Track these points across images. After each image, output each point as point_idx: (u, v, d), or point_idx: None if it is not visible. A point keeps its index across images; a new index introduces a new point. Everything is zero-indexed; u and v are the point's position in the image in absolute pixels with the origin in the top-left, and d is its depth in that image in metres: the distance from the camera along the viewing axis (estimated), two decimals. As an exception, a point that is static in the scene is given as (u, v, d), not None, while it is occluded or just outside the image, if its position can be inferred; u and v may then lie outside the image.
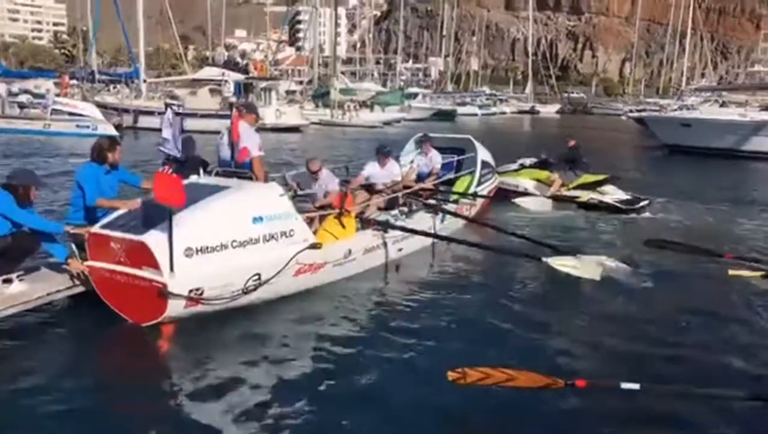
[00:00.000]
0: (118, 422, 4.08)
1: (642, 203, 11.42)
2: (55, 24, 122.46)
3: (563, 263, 6.30)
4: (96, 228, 5.49)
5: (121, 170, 6.29)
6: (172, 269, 5.00)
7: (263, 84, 34.09)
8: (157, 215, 5.19)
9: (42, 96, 27.84)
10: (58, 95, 29.11)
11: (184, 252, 5.08)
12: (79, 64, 42.83)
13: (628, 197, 11.49)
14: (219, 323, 5.41)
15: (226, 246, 5.34)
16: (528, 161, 12.99)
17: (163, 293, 5.02)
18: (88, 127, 23.38)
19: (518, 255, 7.06)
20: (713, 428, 4.14)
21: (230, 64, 43.90)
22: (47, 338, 5.19)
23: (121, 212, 5.62)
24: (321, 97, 42.49)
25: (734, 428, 4.14)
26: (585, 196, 11.22)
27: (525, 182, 11.86)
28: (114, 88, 33.94)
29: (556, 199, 11.23)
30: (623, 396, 3.96)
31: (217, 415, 4.11)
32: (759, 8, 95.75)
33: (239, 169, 6.34)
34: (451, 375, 3.81)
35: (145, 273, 5.12)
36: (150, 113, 28.45)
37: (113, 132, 23.41)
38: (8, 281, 5.34)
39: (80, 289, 5.63)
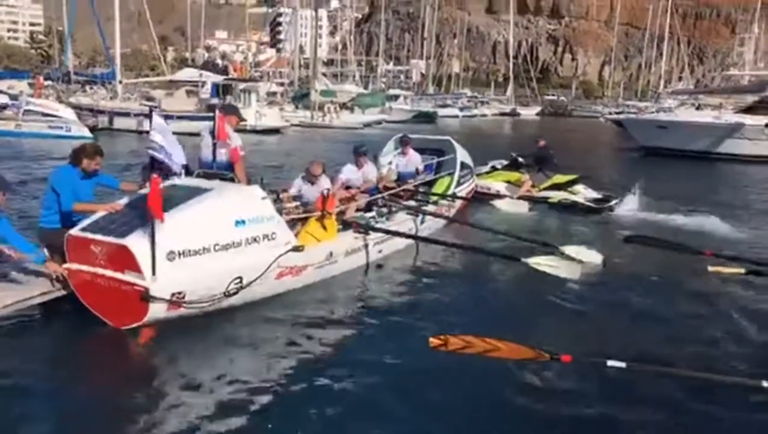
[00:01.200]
0: (96, 426, 4.01)
1: (613, 202, 11.49)
2: (31, 24, 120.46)
3: (541, 262, 6.33)
4: (76, 231, 5.40)
5: (100, 175, 6.08)
6: (154, 272, 4.99)
7: (242, 86, 33.78)
8: (139, 218, 5.19)
9: (16, 97, 27.33)
10: (32, 96, 28.62)
11: (167, 256, 5.07)
12: (55, 65, 42.18)
13: (599, 196, 11.60)
14: (200, 326, 5.37)
15: (209, 250, 5.34)
16: (499, 164, 13.03)
17: (144, 297, 5.00)
18: (61, 128, 22.99)
19: (498, 255, 7.12)
20: (694, 407, 4.35)
21: (209, 66, 43.39)
22: (23, 343, 5.09)
23: (101, 214, 5.52)
24: (301, 99, 42.31)
25: (712, 407, 4.35)
26: (557, 196, 11.26)
27: (496, 184, 11.93)
28: (90, 89, 33.49)
29: (528, 200, 11.27)
30: (609, 373, 4.05)
31: (197, 417, 4.04)
32: (734, 13, 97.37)
33: (221, 170, 6.31)
34: (432, 342, 3.78)
35: (127, 277, 5.09)
36: (125, 115, 28.10)
37: (87, 134, 23.11)
38: None
39: (57, 293, 5.50)
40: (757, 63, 53.55)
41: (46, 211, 5.82)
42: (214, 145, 6.60)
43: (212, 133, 6.66)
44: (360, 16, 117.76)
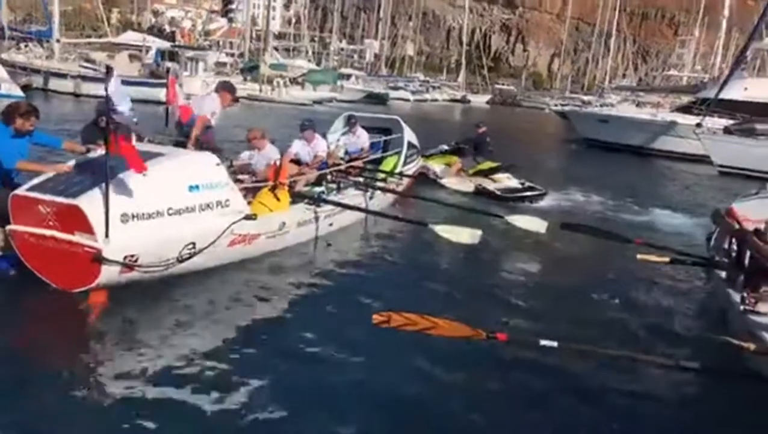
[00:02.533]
0: (39, 393, 3.85)
1: (533, 193, 11.78)
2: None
3: (444, 230, 6.71)
4: (21, 190, 5.17)
5: (36, 133, 5.77)
6: (107, 235, 4.86)
7: (190, 54, 32.89)
8: (90, 179, 5.04)
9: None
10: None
11: (120, 218, 4.95)
12: (-13, 19, 39.63)
13: (519, 186, 11.84)
14: (150, 291, 5.30)
15: (162, 214, 5.28)
16: (446, 147, 13.23)
17: (96, 259, 4.86)
18: (-10, 85, 21.78)
19: (419, 223, 7.33)
20: (618, 384, 4.60)
21: (154, 30, 41.86)
22: None
23: (48, 175, 5.31)
24: (250, 71, 41.44)
25: (635, 384, 4.63)
26: (474, 182, 11.30)
27: (434, 166, 12.15)
28: (25, 46, 31.71)
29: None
30: (541, 352, 4.28)
31: (142, 385, 3.98)
32: (678, 15, 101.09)
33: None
34: (376, 318, 3.88)
35: (78, 238, 4.92)
36: (62, 76, 26.84)
37: (18, 93, 21.95)
38: None
39: None
40: (695, 65, 55.94)
41: None
42: (167, 110, 6.53)
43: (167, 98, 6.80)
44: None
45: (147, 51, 30.39)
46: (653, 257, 6.64)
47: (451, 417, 4.03)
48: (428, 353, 4.60)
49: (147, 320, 4.95)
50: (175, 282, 5.53)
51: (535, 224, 7.70)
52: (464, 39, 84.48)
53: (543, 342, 4.05)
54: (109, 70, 6.89)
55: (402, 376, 4.40)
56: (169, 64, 27.18)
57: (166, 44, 32.87)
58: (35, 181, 5.29)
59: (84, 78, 26.97)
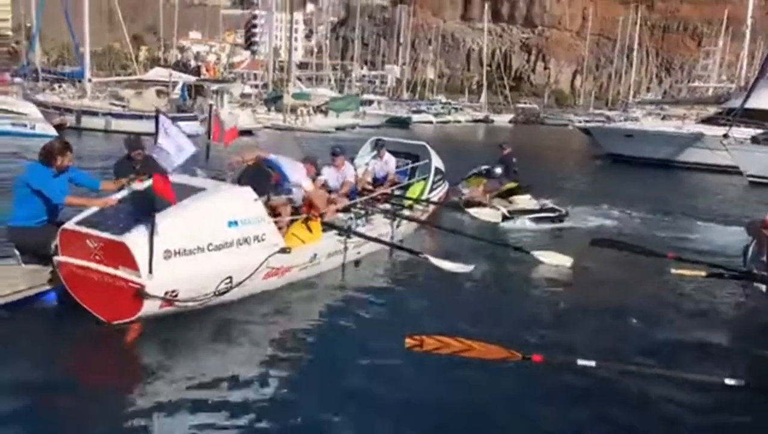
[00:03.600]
0: (85, 420, 4.00)
1: (552, 214, 11.52)
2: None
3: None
4: (71, 225, 5.41)
5: (72, 171, 5.99)
6: (150, 271, 5.01)
7: (215, 86, 33.58)
8: (136, 216, 5.26)
9: (-22, 95, 26.71)
10: (-3, 93, 28.02)
11: (163, 254, 5.10)
12: (22, 62, 41.25)
13: (538, 207, 11.58)
14: (188, 321, 5.46)
15: (203, 249, 5.41)
16: (475, 171, 13.13)
17: (139, 294, 5.02)
18: (25, 126, 22.56)
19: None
20: (660, 403, 4.48)
21: (180, 66, 43.00)
22: (12, 337, 5.04)
23: (94, 209, 5.56)
24: (274, 101, 42.14)
25: (676, 403, 4.48)
26: (501, 209, 11.05)
27: (461, 187, 12.10)
28: (59, 87, 32.87)
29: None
30: (579, 372, 4.18)
31: (186, 411, 4.12)
32: (701, 27, 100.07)
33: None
34: (408, 343, 3.81)
35: (123, 273, 5.08)
36: (93, 114, 27.67)
37: (52, 132, 22.65)
38: None
39: (43, 288, 5.53)
40: (721, 76, 55.20)
41: (22, 209, 5.71)
42: (208, 146, 6.66)
43: (208, 133, 6.92)
44: (336, 20, 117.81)
45: (174, 86, 31.19)
46: (688, 271, 6.50)
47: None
48: (462, 376, 4.53)
49: (183, 351, 5.08)
50: (210, 310, 5.66)
51: (561, 260, 7.83)
52: (484, 60, 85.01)
53: (580, 362, 3.92)
54: (158, 113, 7.07)
55: (436, 401, 4.36)
56: (211, 101, 27.78)
57: (191, 79, 33.67)
58: (83, 215, 5.52)
59: (113, 115, 27.80)
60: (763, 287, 5.97)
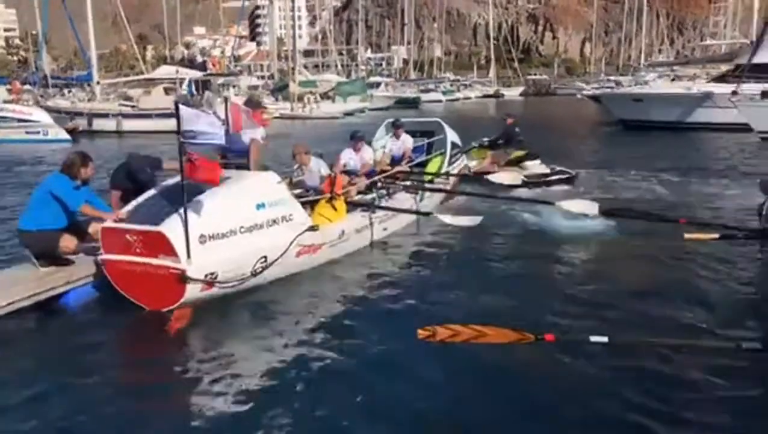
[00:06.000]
0: (136, 403, 4.24)
1: (562, 176, 11.85)
2: (6, 29, 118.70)
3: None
4: (109, 223, 5.72)
5: (89, 193, 6.21)
6: (189, 255, 5.30)
7: (221, 80, 33.89)
8: (169, 205, 5.56)
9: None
10: (11, 101, 28.52)
11: (199, 239, 5.39)
12: (32, 69, 41.84)
13: (548, 171, 11.90)
14: (226, 305, 5.71)
15: (235, 232, 5.71)
16: (476, 144, 13.28)
17: (181, 279, 5.31)
18: (38, 132, 22.99)
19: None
20: (677, 375, 4.38)
21: (186, 62, 43.26)
22: (57, 333, 5.35)
23: (129, 207, 5.89)
24: (280, 90, 42.30)
25: (694, 372, 4.37)
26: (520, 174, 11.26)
27: (468, 162, 12.20)
28: (69, 92, 33.36)
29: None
30: (592, 349, 4.18)
31: (227, 392, 4.31)
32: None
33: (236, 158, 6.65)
34: (421, 334, 3.85)
35: (163, 261, 5.37)
36: (104, 116, 28.09)
37: (65, 137, 23.15)
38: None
39: (85, 281, 5.87)
40: (734, 32, 53.86)
41: (37, 213, 5.92)
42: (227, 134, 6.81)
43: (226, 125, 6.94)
44: (339, 5, 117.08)
45: (181, 83, 31.47)
46: (701, 235, 6.33)
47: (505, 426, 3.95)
48: (477, 362, 4.50)
49: (227, 334, 5.30)
50: (245, 295, 5.93)
51: (586, 207, 7.76)
52: (491, 34, 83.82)
53: (593, 338, 3.87)
54: (177, 105, 7.08)
55: (454, 386, 4.37)
56: (225, 93, 27.96)
57: (198, 74, 33.88)
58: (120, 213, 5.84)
59: (124, 115, 28.20)
60: None
